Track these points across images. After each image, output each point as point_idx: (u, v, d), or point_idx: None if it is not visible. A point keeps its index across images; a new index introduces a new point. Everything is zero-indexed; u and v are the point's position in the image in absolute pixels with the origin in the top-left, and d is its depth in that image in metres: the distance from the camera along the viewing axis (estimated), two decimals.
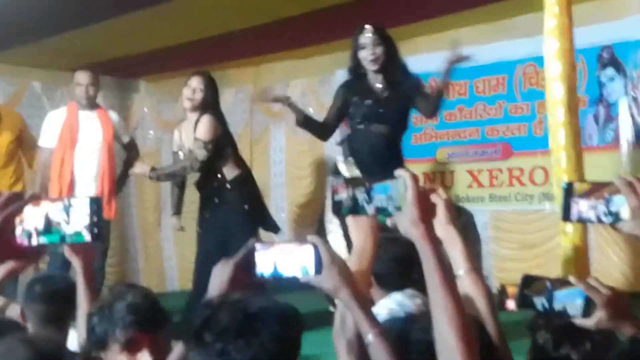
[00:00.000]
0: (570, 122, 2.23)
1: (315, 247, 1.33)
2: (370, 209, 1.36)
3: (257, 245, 1.35)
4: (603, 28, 4.55)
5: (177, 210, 4.60)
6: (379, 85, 3.83)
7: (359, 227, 1.55)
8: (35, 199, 1.33)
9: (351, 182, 1.41)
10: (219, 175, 4.21)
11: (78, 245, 1.61)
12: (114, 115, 4.84)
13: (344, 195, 1.39)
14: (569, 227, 2.20)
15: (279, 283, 1.40)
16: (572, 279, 1.43)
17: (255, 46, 5.84)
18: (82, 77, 4.61)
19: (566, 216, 1.38)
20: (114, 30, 5.12)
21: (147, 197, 7.12)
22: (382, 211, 1.36)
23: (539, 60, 5.01)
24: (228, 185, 4.20)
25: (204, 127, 4.14)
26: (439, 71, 3.61)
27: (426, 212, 1.31)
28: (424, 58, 4.79)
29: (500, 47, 5.11)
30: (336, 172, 3.82)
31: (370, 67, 3.78)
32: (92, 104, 4.66)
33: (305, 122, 3.90)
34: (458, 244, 1.46)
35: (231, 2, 4.67)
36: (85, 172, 4.58)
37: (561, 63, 2.27)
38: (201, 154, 4.10)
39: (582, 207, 1.35)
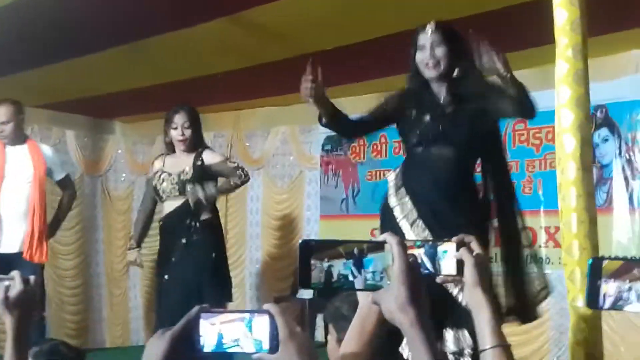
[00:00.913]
0: (582, 180, 1.99)
1: (272, 317, 1.08)
2: (358, 283, 1.09)
3: (202, 314, 1.09)
4: (598, 87, 4.31)
5: (139, 244, 4.27)
6: (442, 98, 2.90)
7: (365, 298, 1.31)
8: None
9: (326, 248, 1.10)
10: (194, 215, 3.96)
11: (17, 298, 1.42)
12: (47, 150, 4.55)
13: (315, 264, 1.09)
14: (580, 302, 1.92)
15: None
16: None
17: (236, 90, 5.65)
18: None
19: (593, 302, 1.08)
20: (89, 68, 4.90)
21: (116, 243, 6.79)
22: (371, 288, 1.10)
23: None
24: (198, 225, 3.95)
25: (216, 156, 4.21)
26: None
27: (417, 289, 1.07)
28: None
29: None
30: (386, 208, 2.92)
31: (428, 73, 2.84)
32: (17, 139, 4.36)
33: (333, 120, 2.89)
34: (485, 313, 1.21)
35: (212, 43, 4.49)
36: (13, 209, 4.25)
37: (574, 113, 2.04)
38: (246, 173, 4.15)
39: (611, 290, 1.08)
